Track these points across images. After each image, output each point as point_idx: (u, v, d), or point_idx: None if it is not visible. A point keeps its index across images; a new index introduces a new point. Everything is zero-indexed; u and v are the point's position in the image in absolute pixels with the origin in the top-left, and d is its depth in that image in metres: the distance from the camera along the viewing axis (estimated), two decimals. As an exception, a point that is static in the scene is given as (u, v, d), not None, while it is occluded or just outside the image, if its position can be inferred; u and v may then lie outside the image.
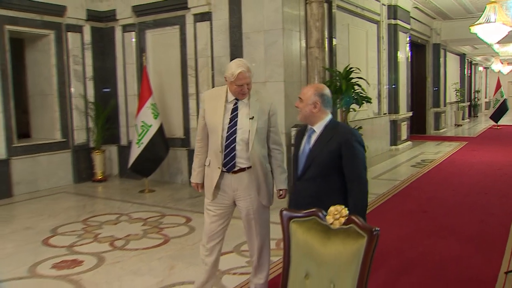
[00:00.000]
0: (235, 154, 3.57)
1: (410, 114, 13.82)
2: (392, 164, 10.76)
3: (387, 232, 5.78)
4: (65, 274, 4.73)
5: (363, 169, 3.09)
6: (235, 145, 3.56)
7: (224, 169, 3.59)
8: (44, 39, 9.16)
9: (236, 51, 7.86)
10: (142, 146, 8.16)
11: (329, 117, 3.22)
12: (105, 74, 9.85)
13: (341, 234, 2.28)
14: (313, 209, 2.46)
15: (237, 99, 3.58)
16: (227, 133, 3.56)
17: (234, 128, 3.56)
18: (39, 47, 9.30)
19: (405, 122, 13.35)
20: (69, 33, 9.29)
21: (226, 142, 3.56)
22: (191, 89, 8.58)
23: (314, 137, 3.19)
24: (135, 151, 8.26)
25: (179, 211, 7.00)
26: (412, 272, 4.56)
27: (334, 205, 2.65)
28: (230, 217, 3.78)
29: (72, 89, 9.43)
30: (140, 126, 8.20)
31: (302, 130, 3.36)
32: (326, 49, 7.98)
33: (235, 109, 3.59)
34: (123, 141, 9.87)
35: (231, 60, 7.73)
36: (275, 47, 7.48)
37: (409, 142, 13.62)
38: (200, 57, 8.40)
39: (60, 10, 9.06)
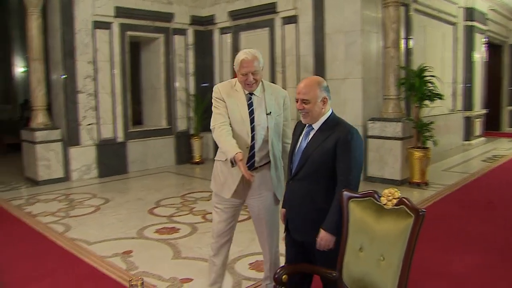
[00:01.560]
0: (254, 152, 3.03)
1: (484, 111, 13.02)
2: (463, 158, 10.20)
3: (450, 217, 5.57)
4: (165, 238, 5.02)
5: (358, 175, 2.56)
6: (254, 143, 3.01)
7: None
8: (155, 42, 9.58)
9: (319, 50, 7.83)
10: (234, 134, 8.31)
11: (329, 111, 2.67)
12: (204, 71, 10.12)
13: (392, 213, 2.26)
14: (370, 190, 2.43)
15: (250, 94, 3.05)
16: (250, 130, 3.01)
17: (252, 125, 3.01)
18: (151, 48, 9.73)
19: (479, 119, 12.60)
20: (175, 36, 9.64)
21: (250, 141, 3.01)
22: (279, 84, 8.59)
23: (311, 134, 2.65)
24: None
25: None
26: (466, 254, 4.37)
27: (328, 207, 2.54)
28: (238, 216, 3.28)
29: (177, 84, 9.78)
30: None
31: (300, 125, 2.79)
32: (402, 49, 7.71)
33: (250, 105, 3.05)
34: (210, 129, 10.10)
35: (315, 59, 7.86)
36: (354, 46, 7.37)
37: (482, 138, 12.86)
38: (287, 56, 8.42)
39: (169, 17, 9.44)
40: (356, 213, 2.44)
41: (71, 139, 8.18)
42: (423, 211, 2.13)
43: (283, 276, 2.35)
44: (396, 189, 2.31)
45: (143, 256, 4.50)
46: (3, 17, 16.25)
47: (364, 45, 7.33)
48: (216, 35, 9.85)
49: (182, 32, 9.75)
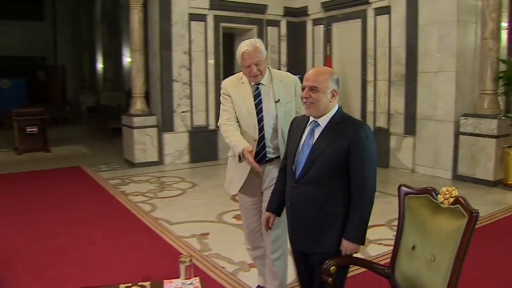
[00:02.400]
0: (264, 143, 2.94)
1: None
2: None
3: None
4: (241, 223, 5.14)
5: (373, 175, 2.34)
6: (264, 134, 2.93)
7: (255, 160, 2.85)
8: (248, 33, 9.74)
9: (411, 42, 7.54)
10: (322, 126, 8.28)
11: (337, 106, 2.42)
12: (296, 62, 10.10)
13: (447, 212, 2.17)
14: (428, 187, 2.35)
15: (257, 84, 2.97)
16: (257, 121, 2.94)
17: (260, 115, 2.93)
18: (244, 39, 9.92)
19: None
20: (268, 27, 9.76)
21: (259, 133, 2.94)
22: (369, 77, 8.43)
23: (317, 132, 2.39)
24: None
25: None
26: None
27: (337, 212, 2.36)
28: None
29: (270, 74, 9.88)
30: (321, 108, 8.34)
31: (300, 121, 2.54)
32: (503, 40, 7.16)
33: (258, 95, 2.97)
34: (309, 121, 10.11)
35: (407, 51, 7.58)
36: (448, 38, 6.99)
37: None
38: (378, 48, 8.19)
39: (262, 9, 9.59)
40: (412, 209, 2.37)
41: (165, 125, 8.66)
42: (477, 212, 2.03)
43: (331, 268, 2.35)
44: (454, 188, 2.21)
45: (218, 239, 4.69)
46: (116, 10, 17.52)
47: (459, 37, 6.92)
48: (309, 26, 9.79)
49: (275, 23, 9.84)
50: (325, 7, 9.22)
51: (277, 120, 2.95)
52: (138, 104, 8.67)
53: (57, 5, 21.23)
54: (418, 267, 2.25)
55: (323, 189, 2.35)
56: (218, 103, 8.97)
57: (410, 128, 7.71)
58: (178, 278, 2.20)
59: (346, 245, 2.35)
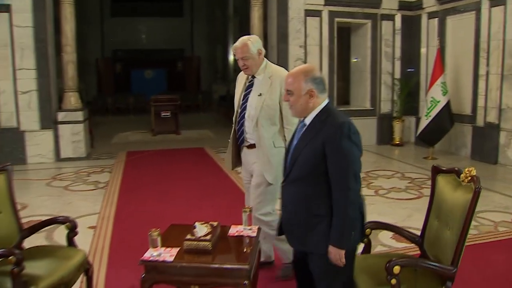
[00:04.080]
0: (243, 129, 3.35)
1: None
2: None
3: None
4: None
5: (352, 175, 2.25)
6: (243, 121, 3.34)
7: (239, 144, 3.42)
8: (363, 27, 10.08)
9: (526, 35, 7.33)
10: (430, 119, 8.31)
11: (323, 103, 2.36)
12: (410, 55, 10.18)
13: (463, 188, 2.52)
14: (456, 168, 2.71)
15: (253, 77, 3.33)
16: (240, 109, 3.37)
17: (245, 105, 3.34)
18: (359, 33, 10.29)
19: None
20: (382, 21, 9.97)
21: (238, 117, 3.37)
22: (481, 70, 8.27)
23: (303, 130, 2.39)
24: (423, 122, 8.50)
25: (446, 177, 7.06)
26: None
27: (322, 213, 2.32)
28: None
29: (382, 67, 10.15)
30: (429, 101, 8.39)
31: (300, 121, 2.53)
32: None
33: (249, 86, 3.35)
34: (421, 113, 10.11)
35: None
36: None
37: None
38: (492, 40, 8.01)
39: (376, 3, 9.82)
40: (440, 186, 2.74)
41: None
42: (479, 187, 2.36)
43: (367, 230, 2.85)
44: (473, 168, 2.54)
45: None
46: (246, 6, 18.68)
47: None
48: (424, 19, 9.78)
49: (389, 17, 10.00)
50: (440, 0, 9.19)
51: (255, 112, 3.28)
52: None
53: (194, 2, 23.22)
54: (438, 235, 2.63)
55: (307, 189, 2.34)
56: (330, 95, 9.55)
57: (522, 124, 7.51)
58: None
59: (331, 250, 2.30)
